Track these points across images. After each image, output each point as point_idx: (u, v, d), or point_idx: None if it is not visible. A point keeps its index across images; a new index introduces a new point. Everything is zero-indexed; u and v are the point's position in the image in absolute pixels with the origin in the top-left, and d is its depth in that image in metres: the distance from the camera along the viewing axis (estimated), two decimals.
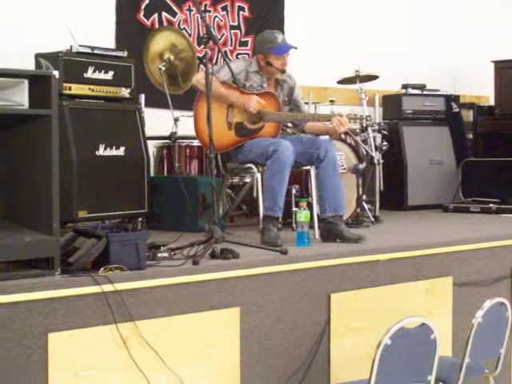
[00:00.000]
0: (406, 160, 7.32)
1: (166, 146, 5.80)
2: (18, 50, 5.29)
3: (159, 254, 3.82)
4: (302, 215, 4.49)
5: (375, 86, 6.85)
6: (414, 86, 7.71)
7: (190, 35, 6.62)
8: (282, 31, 6.49)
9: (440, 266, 4.72)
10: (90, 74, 5.07)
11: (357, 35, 7.64)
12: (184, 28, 6.70)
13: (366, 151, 6.06)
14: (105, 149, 5.04)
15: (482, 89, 8.35)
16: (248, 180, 5.53)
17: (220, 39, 6.93)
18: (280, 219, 4.84)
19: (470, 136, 8.05)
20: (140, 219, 5.33)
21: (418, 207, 7.25)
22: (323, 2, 7.52)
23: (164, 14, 6.63)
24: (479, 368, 3.65)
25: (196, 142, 5.64)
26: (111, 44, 6.12)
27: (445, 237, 5.11)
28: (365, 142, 6.13)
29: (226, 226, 5.02)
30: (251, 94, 4.86)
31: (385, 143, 6.28)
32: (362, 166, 5.73)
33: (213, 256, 3.95)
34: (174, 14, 6.69)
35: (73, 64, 4.98)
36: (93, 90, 5.09)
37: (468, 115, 8.17)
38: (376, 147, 6.20)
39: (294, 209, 5.15)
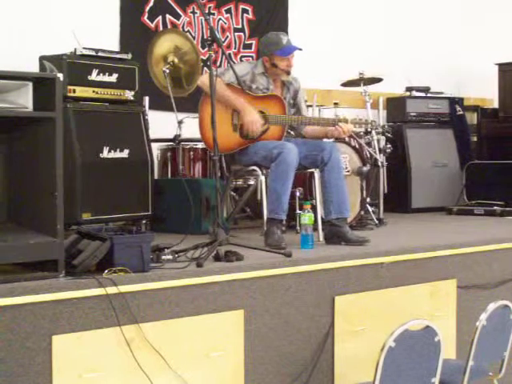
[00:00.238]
0: (410, 162, 7.31)
1: (170, 149, 5.80)
2: (22, 52, 5.31)
3: (163, 257, 3.83)
4: (306, 218, 4.50)
5: (379, 89, 6.86)
6: (418, 89, 7.72)
7: (194, 38, 6.63)
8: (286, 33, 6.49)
9: (444, 269, 4.71)
10: (94, 76, 5.08)
11: (361, 38, 7.64)
12: (188, 30, 6.71)
13: (370, 154, 6.06)
14: (109, 151, 5.04)
15: (486, 91, 8.33)
16: (252, 182, 5.53)
17: (224, 42, 6.93)
18: (284, 222, 4.84)
19: (474, 139, 8.05)
20: (144, 221, 5.32)
21: (421, 210, 7.25)
22: (327, 4, 7.52)
23: (168, 16, 6.64)
24: (483, 371, 3.63)
25: (200, 145, 5.64)
26: (115, 47, 6.13)
27: (449, 239, 5.09)
28: (369, 144, 6.14)
29: (229, 228, 5.01)
30: (253, 110, 4.83)
31: (389, 146, 6.28)
32: (366, 169, 5.74)
33: (217, 258, 3.95)
34: (178, 17, 6.70)
35: (77, 67, 4.99)
36: (97, 93, 5.10)
37: (472, 118, 8.16)
38: (380, 150, 6.20)
39: (298, 211, 5.16)
